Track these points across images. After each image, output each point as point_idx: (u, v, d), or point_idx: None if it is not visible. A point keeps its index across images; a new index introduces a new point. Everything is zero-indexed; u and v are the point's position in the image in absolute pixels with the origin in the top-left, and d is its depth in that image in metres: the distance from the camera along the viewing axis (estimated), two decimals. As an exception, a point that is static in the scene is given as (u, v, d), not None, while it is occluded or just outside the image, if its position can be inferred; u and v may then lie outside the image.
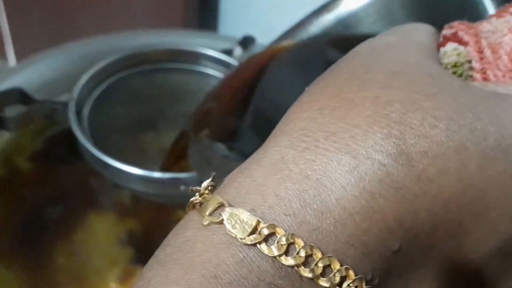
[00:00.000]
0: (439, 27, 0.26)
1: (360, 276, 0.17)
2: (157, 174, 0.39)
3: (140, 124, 0.49)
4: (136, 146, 0.48)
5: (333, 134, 0.18)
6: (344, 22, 0.34)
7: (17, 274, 0.49)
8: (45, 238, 0.52)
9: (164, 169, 0.41)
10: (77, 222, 0.54)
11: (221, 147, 0.34)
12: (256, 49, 0.52)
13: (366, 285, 0.17)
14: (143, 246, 0.52)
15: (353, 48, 0.22)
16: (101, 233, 0.53)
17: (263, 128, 0.35)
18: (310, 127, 0.18)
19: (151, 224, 0.53)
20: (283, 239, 0.16)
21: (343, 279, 0.16)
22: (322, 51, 0.35)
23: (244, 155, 0.28)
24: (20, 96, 0.47)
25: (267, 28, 0.71)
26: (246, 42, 0.50)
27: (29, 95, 0.47)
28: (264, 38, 0.55)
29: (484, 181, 0.18)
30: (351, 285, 0.16)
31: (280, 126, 0.19)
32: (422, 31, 0.23)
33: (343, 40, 0.35)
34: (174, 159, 0.40)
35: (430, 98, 0.18)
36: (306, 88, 0.20)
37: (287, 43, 0.37)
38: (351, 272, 0.16)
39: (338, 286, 0.16)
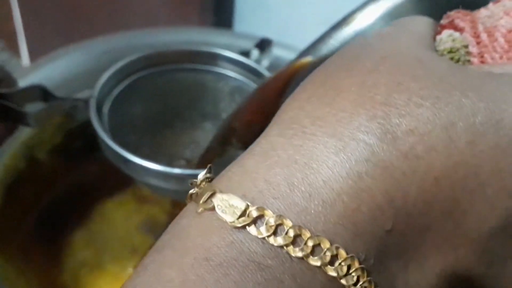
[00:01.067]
0: None
1: (351, 255, 0.17)
2: (176, 170, 0.40)
3: (158, 123, 0.50)
4: (153, 144, 0.49)
5: (319, 119, 0.18)
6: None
7: (36, 263, 0.50)
8: (63, 228, 0.53)
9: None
10: (96, 211, 0.55)
11: None
12: (273, 49, 0.52)
13: (360, 265, 0.17)
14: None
15: None
16: (121, 222, 0.54)
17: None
18: (298, 115, 0.19)
19: (172, 212, 0.54)
20: (271, 220, 0.17)
21: (334, 258, 0.17)
22: None
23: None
24: (41, 93, 0.48)
25: (283, 26, 0.72)
26: (263, 44, 0.51)
27: (49, 92, 0.48)
28: (280, 36, 0.56)
29: (476, 156, 0.17)
30: (343, 264, 0.17)
31: (273, 118, 0.20)
32: (418, 22, 0.23)
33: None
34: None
35: (416, 79, 0.18)
36: (301, 83, 0.21)
37: (308, 59, 0.37)
38: (342, 251, 0.17)
39: (329, 265, 0.17)
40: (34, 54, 0.85)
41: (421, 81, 0.18)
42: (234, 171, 0.18)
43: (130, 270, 0.52)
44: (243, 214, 0.17)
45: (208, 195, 0.18)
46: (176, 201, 0.52)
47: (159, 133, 0.49)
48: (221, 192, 0.18)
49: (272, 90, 0.39)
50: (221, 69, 0.50)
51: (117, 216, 0.55)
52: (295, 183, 0.17)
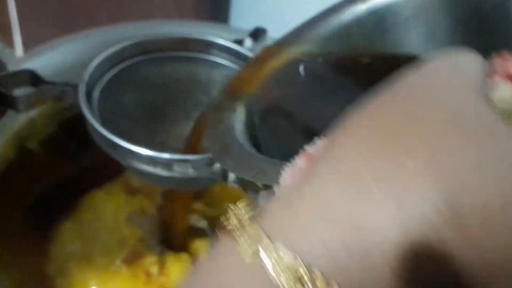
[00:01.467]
0: (476, 29, 0.24)
1: None
2: (165, 155, 0.39)
3: (150, 111, 0.49)
4: (144, 133, 0.48)
5: (380, 174, 0.17)
6: (377, 13, 0.34)
7: (23, 254, 0.49)
8: (52, 219, 0.52)
9: (186, 152, 0.41)
10: (85, 202, 0.54)
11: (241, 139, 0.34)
12: (267, 41, 0.52)
13: None
14: (153, 227, 0.52)
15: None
16: (110, 213, 0.54)
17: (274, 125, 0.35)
18: (356, 161, 0.18)
19: (162, 204, 0.54)
20: (322, 285, 0.16)
21: None
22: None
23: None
24: (30, 77, 0.47)
25: (279, 21, 0.71)
26: (257, 33, 0.50)
27: (39, 76, 0.47)
28: (277, 32, 0.55)
29: None
30: None
31: (324, 150, 0.19)
32: (470, 60, 0.22)
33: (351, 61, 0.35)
34: (195, 142, 0.41)
35: (481, 149, 0.17)
36: (353, 109, 0.19)
37: (305, 51, 0.37)
38: None
39: None
40: (28, 46, 0.85)
41: (485, 152, 0.17)
42: (283, 217, 0.18)
43: (118, 262, 0.51)
44: (295, 278, 0.16)
45: (257, 242, 0.17)
46: (166, 192, 0.52)
47: (151, 121, 0.48)
48: (271, 241, 0.17)
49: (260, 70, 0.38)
50: (214, 57, 0.50)
51: (107, 207, 0.55)
52: (351, 248, 0.17)
